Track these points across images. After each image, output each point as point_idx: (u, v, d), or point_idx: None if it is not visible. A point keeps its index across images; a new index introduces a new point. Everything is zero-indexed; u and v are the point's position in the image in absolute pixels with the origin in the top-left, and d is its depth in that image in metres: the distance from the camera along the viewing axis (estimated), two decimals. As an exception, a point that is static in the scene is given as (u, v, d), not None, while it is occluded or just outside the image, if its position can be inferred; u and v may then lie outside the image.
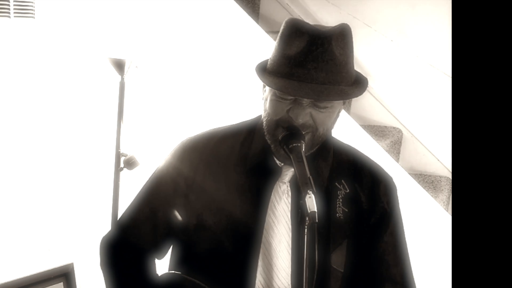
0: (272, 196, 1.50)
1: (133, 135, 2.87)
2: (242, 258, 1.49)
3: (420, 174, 3.53)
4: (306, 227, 1.28)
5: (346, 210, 1.52)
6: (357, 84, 1.45)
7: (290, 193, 1.51)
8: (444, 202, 3.32)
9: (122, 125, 2.74)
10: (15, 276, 1.69)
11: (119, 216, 2.74)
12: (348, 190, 1.54)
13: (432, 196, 3.17)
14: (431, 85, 3.49)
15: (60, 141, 3.01)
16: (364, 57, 3.57)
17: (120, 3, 2.97)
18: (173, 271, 1.57)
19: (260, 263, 1.49)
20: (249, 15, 3.15)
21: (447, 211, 3.21)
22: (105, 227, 2.80)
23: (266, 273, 1.49)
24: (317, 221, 1.25)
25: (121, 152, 2.74)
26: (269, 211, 1.49)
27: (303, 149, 1.38)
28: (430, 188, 3.41)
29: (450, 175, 3.52)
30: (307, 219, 1.26)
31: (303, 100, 1.39)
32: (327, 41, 1.36)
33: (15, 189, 2.87)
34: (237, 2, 3.09)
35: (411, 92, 3.58)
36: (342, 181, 1.54)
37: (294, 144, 1.38)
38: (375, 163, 1.64)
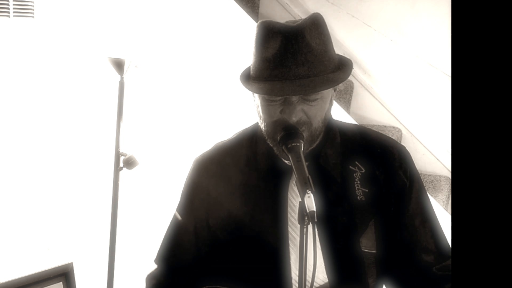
0: (289, 195, 1.51)
1: (133, 134, 2.87)
2: (275, 260, 1.50)
3: (419, 174, 3.53)
4: (305, 226, 1.28)
5: (366, 190, 1.51)
6: (342, 68, 1.46)
7: None
8: (443, 202, 3.32)
9: (121, 124, 2.74)
10: (14, 275, 1.68)
11: (118, 215, 2.75)
12: (364, 170, 1.53)
13: (431, 195, 3.17)
14: (431, 85, 3.48)
15: (60, 140, 3.01)
16: (363, 56, 3.56)
17: (119, 2, 2.97)
18: (210, 286, 1.58)
19: (292, 262, 1.50)
20: (249, 14, 3.15)
21: (446, 210, 3.21)
22: (105, 227, 2.81)
23: (298, 270, 1.50)
24: (316, 220, 1.25)
25: (120, 151, 2.74)
26: (289, 210, 1.50)
27: (302, 149, 1.38)
28: (429, 187, 3.41)
29: (449, 175, 3.51)
30: (306, 218, 1.26)
31: (292, 98, 1.39)
32: (301, 35, 1.37)
33: (14, 189, 2.87)
34: (236, 2, 3.09)
35: (411, 91, 3.58)
36: (356, 162, 1.53)
37: (292, 144, 1.38)
38: (384, 136, 1.63)
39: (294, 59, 1.37)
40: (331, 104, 1.50)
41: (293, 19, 1.46)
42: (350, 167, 1.53)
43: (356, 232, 1.50)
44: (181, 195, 1.65)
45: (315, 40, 1.39)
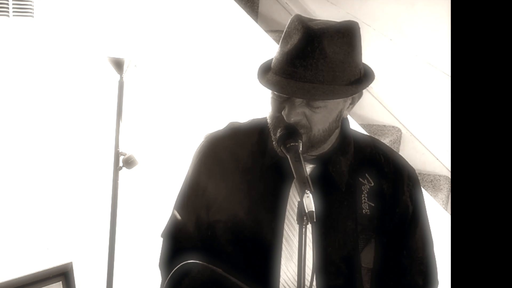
0: (290, 194, 1.50)
1: (132, 134, 2.87)
2: (264, 257, 1.49)
3: (419, 173, 3.52)
4: (304, 226, 1.28)
5: (373, 204, 1.51)
6: (359, 82, 1.42)
7: None
8: (443, 201, 3.32)
9: (121, 124, 2.74)
10: (13, 275, 1.68)
11: (117, 214, 2.75)
12: (372, 184, 1.52)
13: (431, 195, 3.17)
14: (430, 84, 3.49)
15: (59, 140, 3.00)
16: (363, 56, 3.56)
17: (119, 2, 2.97)
18: (194, 261, 1.54)
19: (283, 261, 1.49)
20: (248, 14, 3.15)
21: (446, 210, 3.21)
22: (104, 226, 2.81)
23: (290, 271, 1.49)
24: (315, 220, 1.25)
25: (120, 151, 2.74)
26: (288, 209, 1.49)
27: (301, 149, 1.38)
28: (429, 187, 3.41)
29: (449, 174, 3.52)
30: (305, 218, 1.26)
31: (295, 98, 1.38)
32: (317, 40, 1.35)
33: (13, 188, 2.86)
34: (236, 1, 3.09)
35: (410, 91, 3.58)
36: (366, 174, 1.52)
37: (291, 144, 1.37)
38: (398, 154, 1.63)
39: (304, 61, 1.35)
40: (339, 117, 1.46)
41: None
42: (360, 179, 1.52)
43: (356, 245, 1.50)
44: (188, 171, 1.65)
45: (333, 48, 1.35)
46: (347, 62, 1.38)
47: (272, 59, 1.47)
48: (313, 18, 1.46)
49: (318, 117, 1.40)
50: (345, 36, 1.38)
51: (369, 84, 1.44)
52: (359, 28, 1.42)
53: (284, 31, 1.42)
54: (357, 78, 1.42)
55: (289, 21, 1.42)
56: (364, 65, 1.49)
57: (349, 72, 1.39)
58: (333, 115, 1.43)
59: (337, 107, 1.43)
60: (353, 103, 1.49)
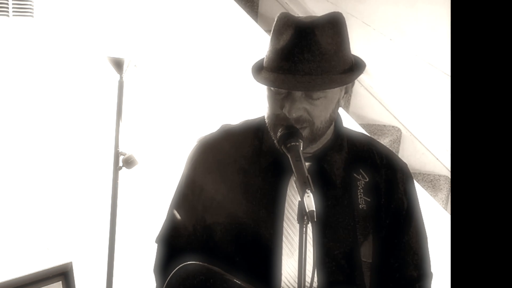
0: (288, 192, 1.50)
1: (132, 134, 2.87)
2: (266, 256, 1.49)
3: (419, 173, 3.53)
4: (304, 225, 1.28)
5: (369, 199, 1.52)
6: (352, 70, 1.45)
7: None
8: (443, 201, 3.32)
9: (120, 124, 2.74)
10: (13, 275, 1.68)
11: (117, 214, 2.75)
12: (367, 179, 1.54)
13: (431, 195, 3.17)
14: (430, 84, 3.49)
15: (59, 140, 3.00)
16: (363, 55, 3.56)
17: (119, 2, 2.97)
18: (193, 262, 1.52)
19: (284, 259, 1.49)
20: (248, 14, 3.15)
21: (446, 210, 3.21)
22: (104, 226, 2.81)
23: (291, 268, 1.49)
24: (315, 219, 1.25)
25: (120, 151, 2.74)
26: (286, 207, 1.50)
27: (301, 148, 1.38)
28: (429, 187, 3.41)
29: (449, 174, 3.52)
30: (305, 218, 1.27)
31: (295, 93, 1.39)
32: (311, 32, 1.38)
33: (13, 188, 2.86)
34: (236, 1, 3.09)
35: (410, 91, 3.58)
36: (360, 170, 1.54)
37: (292, 143, 1.38)
38: (390, 150, 1.64)
39: (301, 54, 1.37)
40: (337, 107, 1.49)
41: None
42: (355, 174, 1.53)
43: (356, 240, 1.50)
44: (182, 175, 1.64)
45: (326, 39, 1.39)
46: (339, 52, 1.42)
47: (262, 59, 1.49)
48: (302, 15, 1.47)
49: (320, 109, 1.42)
50: (335, 26, 1.42)
51: (362, 72, 1.47)
52: (344, 18, 1.47)
53: (272, 29, 1.45)
54: (350, 67, 1.46)
55: (275, 20, 1.45)
56: (353, 55, 1.52)
57: (342, 61, 1.43)
58: (332, 104, 1.45)
59: (335, 96, 1.46)
60: (347, 92, 1.51)
